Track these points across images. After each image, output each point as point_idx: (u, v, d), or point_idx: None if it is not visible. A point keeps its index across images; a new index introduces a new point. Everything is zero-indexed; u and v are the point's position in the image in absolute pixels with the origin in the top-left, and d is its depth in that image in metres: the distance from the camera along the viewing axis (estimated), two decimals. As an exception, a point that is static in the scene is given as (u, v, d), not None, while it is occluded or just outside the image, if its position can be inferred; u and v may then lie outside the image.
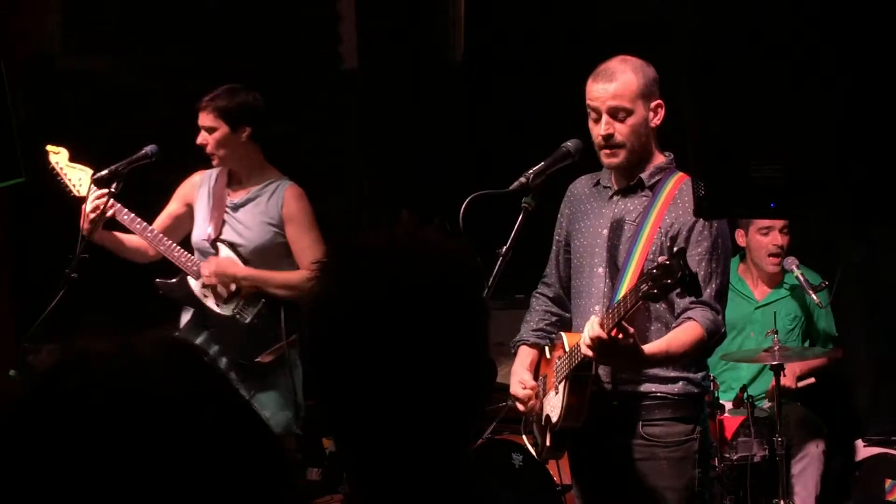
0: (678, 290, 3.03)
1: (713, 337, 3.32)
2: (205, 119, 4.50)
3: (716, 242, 3.31)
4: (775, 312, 4.89)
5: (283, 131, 6.59)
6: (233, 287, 4.46)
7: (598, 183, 3.53)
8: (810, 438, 5.03)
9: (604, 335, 3.14)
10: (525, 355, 3.63)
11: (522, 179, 3.34)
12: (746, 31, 2.34)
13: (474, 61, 6.73)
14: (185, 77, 5.21)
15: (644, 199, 3.42)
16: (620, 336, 3.15)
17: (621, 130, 3.36)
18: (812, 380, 5.18)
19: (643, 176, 3.42)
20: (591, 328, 3.18)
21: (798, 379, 5.11)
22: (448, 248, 1.51)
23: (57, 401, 0.96)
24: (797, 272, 5.07)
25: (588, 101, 3.42)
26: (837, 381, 5.60)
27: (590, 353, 3.19)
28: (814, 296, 5.01)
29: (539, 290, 3.73)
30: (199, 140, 4.51)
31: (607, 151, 3.39)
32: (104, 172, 4.34)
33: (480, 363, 1.50)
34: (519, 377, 3.56)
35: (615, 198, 3.47)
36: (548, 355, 3.58)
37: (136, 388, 0.97)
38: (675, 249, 3.04)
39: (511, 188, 3.34)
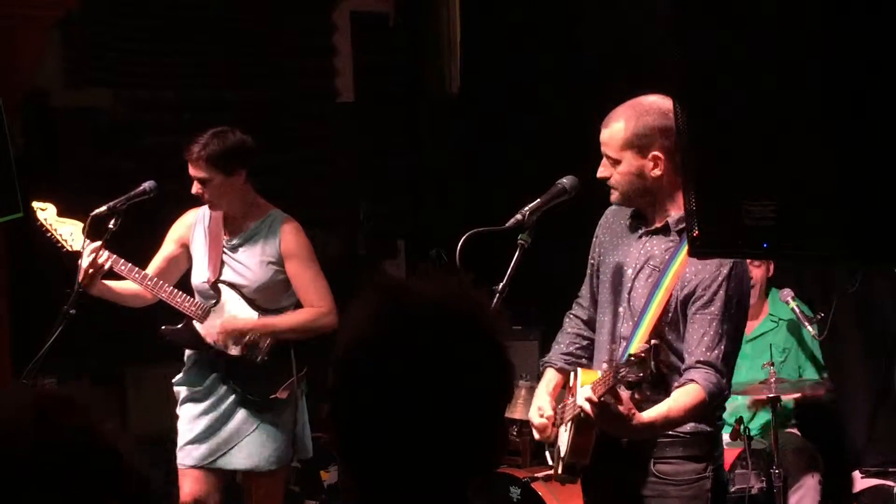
0: (645, 385, 3.06)
1: (715, 400, 3.27)
2: (197, 171, 4.39)
3: (729, 303, 3.25)
4: (771, 344, 4.90)
5: (280, 163, 6.63)
6: (242, 342, 4.44)
7: (633, 217, 3.48)
8: (807, 469, 5.04)
9: (595, 399, 3.13)
10: (550, 379, 3.60)
11: (518, 217, 3.33)
12: (741, 70, 2.36)
13: (470, 93, 6.77)
14: (183, 111, 5.25)
15: (671, 244, 3.36)
16: (612, 402, 3.13)
17: (614, 176, 3.35)
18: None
19: (670, 221, 3.36)
20: (585, 392, 3.18)
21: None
22: (491, 315, 1.58)
23: None
24: (793, 304, 5.09)
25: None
26: (833, 410, 5.62)
27: (588, 410, 3.19)
28: (810, 328, 5.03)
29: (573, 312, 3.69)
30: (195, 191, 4.41)
31: (610, 188, 3.41)
32: (102, 209, 4.27)
33: (498, 427, 1.57)
34: (538, 402, 3.53)
35: (644, 238, 3.42)
36: (571, 382, 3.56)
37: None
38: (692, 315, 3.03)
39: (507, 225, 3.34)
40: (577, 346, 3.64)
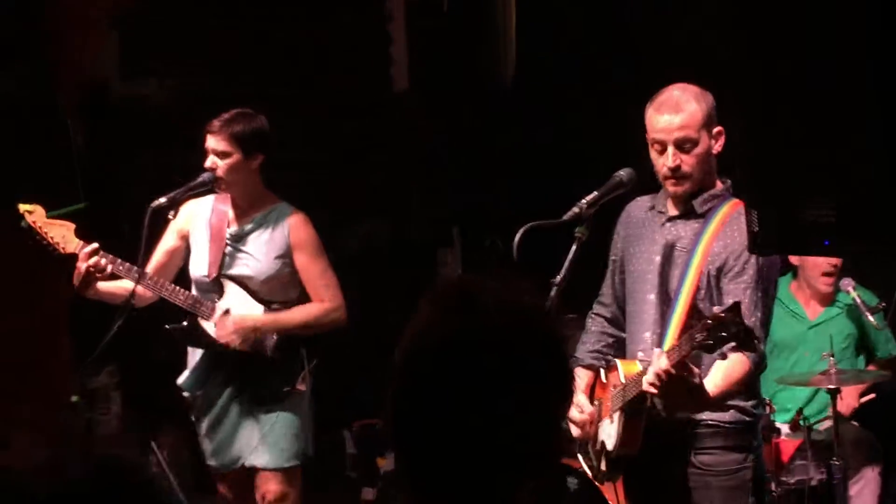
0: (733, 345, 3.04)
1: (758, 368, 3.34)
2: (217, 143, 4.33)
3: (760, 271, 3.29)
4: (831, 335, 4.84)
5: (335, 151, 6.67)
6: (253, 337, 4.37)
7: (653, 207, 3.54)
8: (867, 460, 4.98)
9: (671, 371, 3.13)
10: (581, 377, 3.64)
11: (575, 209, 3.35)
12: (803, 72, 2.34)
13: (524, 82, 6.74)
14: (239, 102, 5.26)
15: (696, 225, 3.42)
16: (685, 374, 3.14)
17: (688, 161, 3.36)
18: (872, 395, 5.14)
19: (695, 203, 3.42)
20: (657, 364, 3.17)
21: (861, 395, 5.09)
22: (555, 322, 1.60)
23: None
24: (854, 293, 5.01)
25: (652, 134, 3.40)
26: (894, 400, 5.55)
27: (653, 390, 3.19)
28: (871, 318, 4.96)
29: (595, 311, 3.73)
30: (209, 164, 4.33)
31: (673, 180, 3.39)
32: (162, 200, 4.27)
33: (556, 432, 1.57)
34: (575, 400, 3.57)
35: (668, 224, 3.48)
36: (603, 378, 3.58)
37: None
38: (725, 287, 3.03)
39: (564, 218, 3.35)
40: (604, 343, 3.69)
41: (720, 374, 3.27)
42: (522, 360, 1.53)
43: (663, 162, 3.37)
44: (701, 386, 3.17)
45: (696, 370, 3.17)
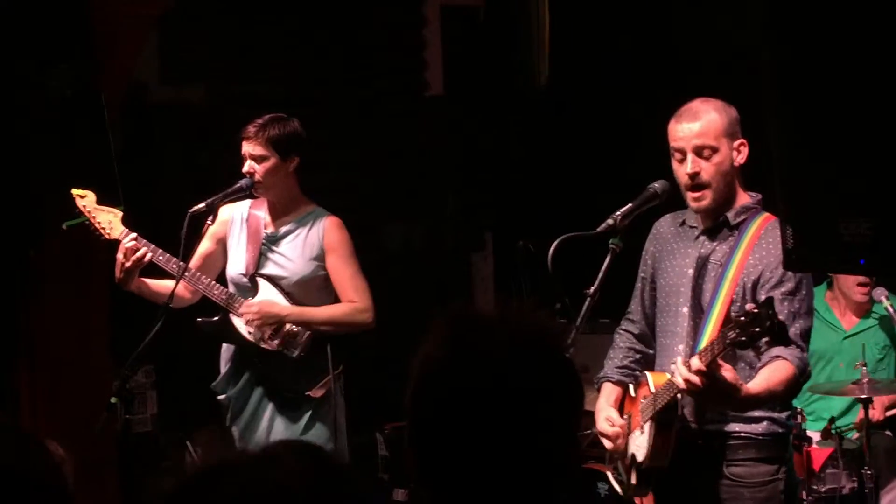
0: (766, 339, 3.05)
1: (803, 375, 3.34)
2: (254, 148, 4.42)
3: (800, 282, 3.34)
4: (864, 344, 4.85)
5: (369, 155, 6.71)
6: (274, 327, 4.43)
7: (683, 223, 3.57)
8: (899, 470, 4.98)
9: (703, 368, 3.13)
10: (609, 392, 3.67)
11: (610, 221, 3.38)
12: (840, 85, 2.36)
13: (558, 87, 6.76)
14: (277, 106, 5.32)
15: (730, 239, 3.45)
16: (717, 371, 3.15)
17: (707, 169, 3.40)
18: None
19: (728, 216, 3.45)
20: (692, 363, 3.17)
21: (886, 409, 5.08)
22: (559, 338, 1.62)
23: None
24: (886, 303, 5.02)
25: (672, 143, 3.45)
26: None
27: (684, 385, 3.18)
28: (903, 327, 4.97)
29: (623, 327, 3.76)
30: (247, 169, 4.42)
31: (694, 195, 3.42)
32: (201, 206, 4.32)
33: (570, 449, 1.61)
34: (606, 414, 3.60)
35: (701, 238, 3.51)
36: (632, 392, 3.61)
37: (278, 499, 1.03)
38: (762, 298, 3.05)
39: (599, 230, 3.38)
40: (631, 359, 3.71)
41: (762, 374, 3.29)
42: (528, 384, 1.57)
43: (684, 170, 3.40)
44: (735, 383, 3.16)
45: (727, 366, 3.17)
